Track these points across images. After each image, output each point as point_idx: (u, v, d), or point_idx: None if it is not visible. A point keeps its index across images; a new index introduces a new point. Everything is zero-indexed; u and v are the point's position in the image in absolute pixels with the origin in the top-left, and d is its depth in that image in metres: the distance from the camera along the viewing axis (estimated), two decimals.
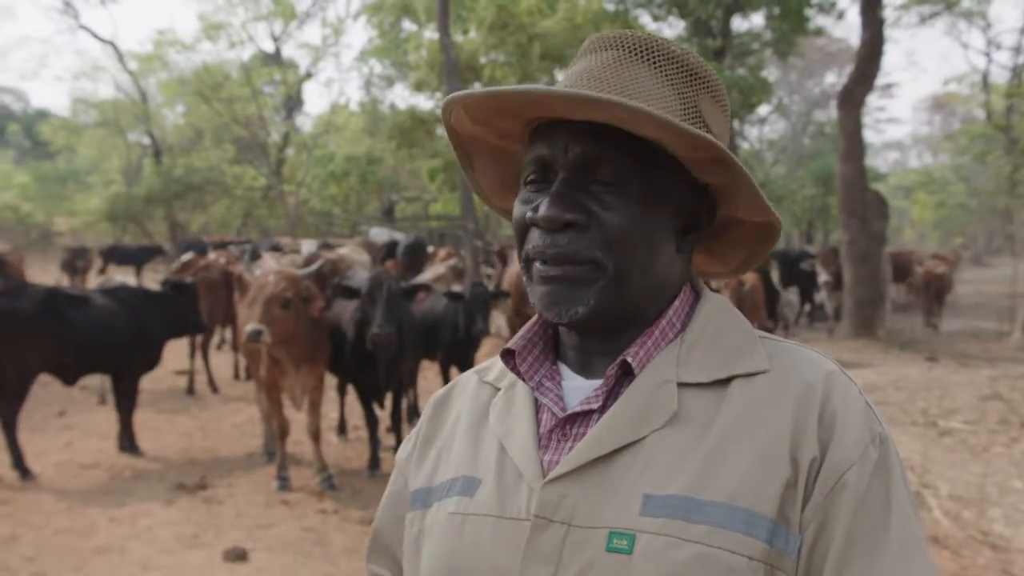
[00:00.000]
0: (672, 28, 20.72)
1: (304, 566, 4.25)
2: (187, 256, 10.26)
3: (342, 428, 6.85)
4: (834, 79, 38.50)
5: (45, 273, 16.67)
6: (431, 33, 20.28)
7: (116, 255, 19.75)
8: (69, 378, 6.04)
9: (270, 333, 4.84)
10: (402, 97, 52.17)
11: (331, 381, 6.16)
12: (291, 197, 29.92)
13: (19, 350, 5.54)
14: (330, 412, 6.99)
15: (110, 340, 5.96)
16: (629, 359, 0.85)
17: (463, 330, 6.28)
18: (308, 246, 9.35)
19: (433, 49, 18.02)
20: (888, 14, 13.66)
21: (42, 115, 41.80)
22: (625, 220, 0.84)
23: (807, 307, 15.68)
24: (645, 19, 20.30)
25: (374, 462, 5.80)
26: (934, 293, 14.63)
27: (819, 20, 20.44)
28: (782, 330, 12.24)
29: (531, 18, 17.82)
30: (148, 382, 6.91)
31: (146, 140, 31.35)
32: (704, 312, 0.91)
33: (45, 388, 7.25)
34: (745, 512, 0.76)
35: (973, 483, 5.40)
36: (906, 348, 12.08)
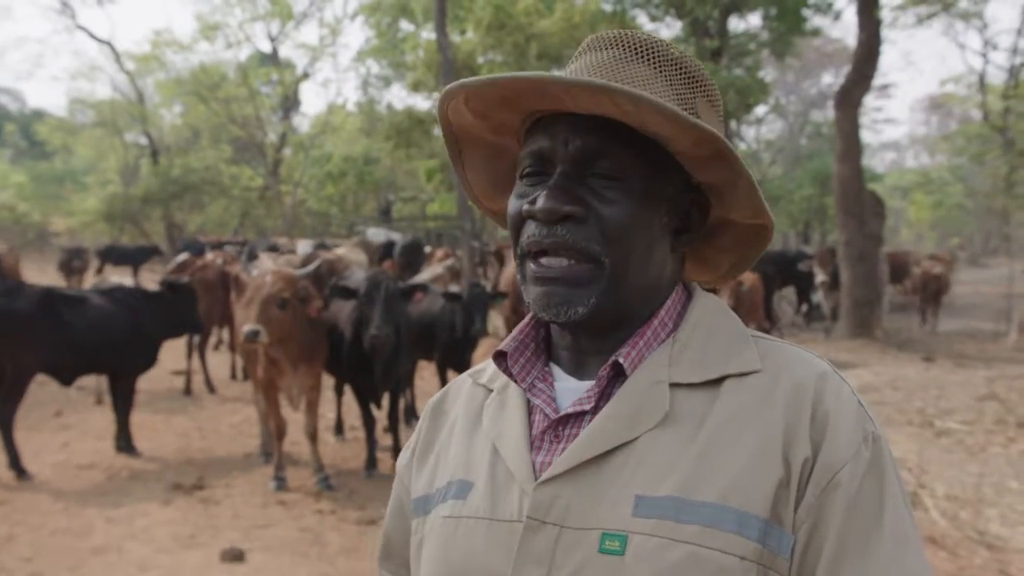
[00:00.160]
0: (669, 28, 20.74)
1: (301, 566, 4.24)
2: (182, 256, 10.25)
3: (339, 428, 6.85)
4: (831, 79, 38.54)
5: (42, 273, 16.64)
6: (428, 33, 20.32)
7: (113, 255, 19.72)
8: (66, 378, 6.03)
9: (267, 333, 4.84)
10: (399, 97, 52.17)
11: (328, 381, 6.15)
12: (288, 197, 29.93)
13: (16, 350, 5.53)
14: (327, 412, 6.98)
15: (107, 340, 5.96)
16: (621, 360, 0.85)
17: (460, 330, 6.28)
18: (303, 246, 9.33)
19: (430, 49, 18.03)
20: (885, 15, 13.69)
21: (39, 115, 41.71)
22: (624, 215, 0.84)
23: (804, 307, 15.71)
24: (642, 19, 20.30)
25: (371, 462, 5.80)
26: (931, 293, 14.65)
27: (816, 20, 20.49)
28: (776, 331, 12.26)
29: (528, 18, 17.83)
30: (145, 382, 6.90)
31: (143, 140, 31.36)
32: (696, 311, 0.91)
33: (42, 388, 7.24)
34: (736, 512, 0.76)
35: (969, 483, 5.40)
36: (903, 348, 12.10)
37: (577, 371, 0.91)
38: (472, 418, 0.97)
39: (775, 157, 36.72)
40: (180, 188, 27.90)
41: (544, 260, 0.86)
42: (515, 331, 0.95)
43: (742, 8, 19.75)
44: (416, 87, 20.56)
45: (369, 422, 5.81)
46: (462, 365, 6.52)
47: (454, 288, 6.85)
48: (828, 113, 31.27)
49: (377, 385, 5.61)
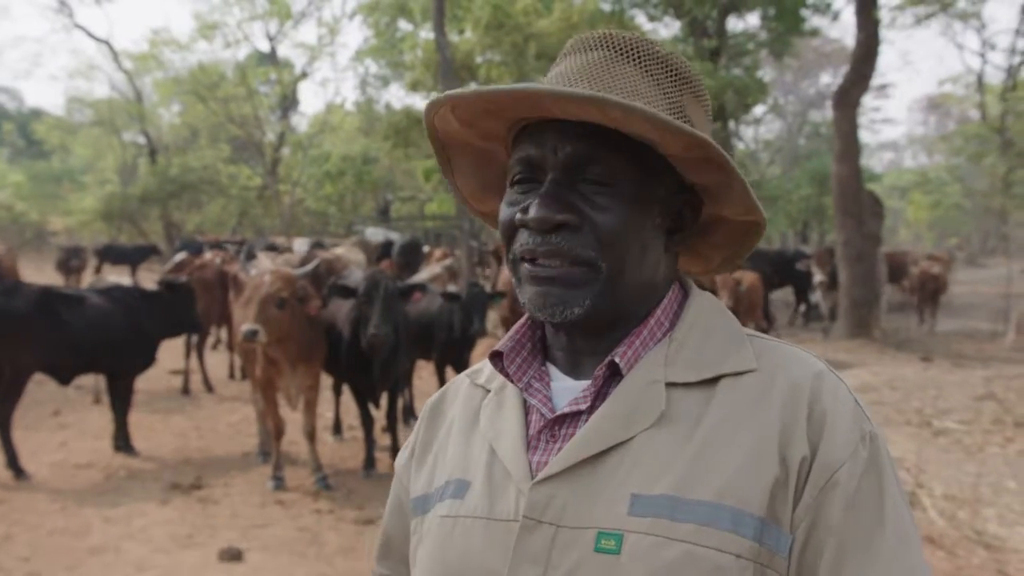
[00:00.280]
0: (668, 28, 20.75)
1: (299, 566, 4.24)
2: (180, 256, 10.24)
3: (337, 428, 6.84)
4: (829, 79, 38.56)
5: (40, 272, 16.62)
6: (427, 33, 20.29)
7: (111, 254, 19.73)
8: (64, 377, 6.02)
9: (266, 333, 4.84)
10: (398, 97, 52.17)
11: (326, 381, 6.15)
12: (286, 197, 29.90)
13: (14, 349, 5.53)
14: (325, 412, 6.98)
15: (105, 340, 5.95)
16: (617, 359, 0.85)
17: (459, 330, 6.28)
18: (300, 245, 9.33)
19: (429, 49, 18.01)
20: (883, 15, 13.66)
21: (36, 114, 41.66)
22: (618, 221, 0.84)
23: (802, 307, 15.72)
24: (641, 19, 20.29)
25: (369, 462, 5.80)
26: (929, 293, 14.66)
27: (814, 21, 20.44)
28: (773, 331, 12.27)
29: (527, 18, 17.80)
30: (143, 382, 6.89)
31: (141, 139, 31.35)
32: (692, 311, 0.91)
33: (40, 387, 7.23)
34: (732, 510, 0.76)
35: (967, 483, 5.41)
36: (901, 348, 12.11)
37: (573, 371, 0.91)
38: (470, 418, 0.97)
39: (773, 157, 36.72)
40: (178, 187, 27.88)
41: (540, 260, 0.86)
42: (511, 331, 0.95)
43: (740, 8, 19.74)
44: (414, 87, 20.54)
45: (367, 422, 5.81)
46: (460, 365, 6.53)
47: (452, 288, 6.84)
48: (826, 113, 31.32)
49: (375, 385, 5.61)
